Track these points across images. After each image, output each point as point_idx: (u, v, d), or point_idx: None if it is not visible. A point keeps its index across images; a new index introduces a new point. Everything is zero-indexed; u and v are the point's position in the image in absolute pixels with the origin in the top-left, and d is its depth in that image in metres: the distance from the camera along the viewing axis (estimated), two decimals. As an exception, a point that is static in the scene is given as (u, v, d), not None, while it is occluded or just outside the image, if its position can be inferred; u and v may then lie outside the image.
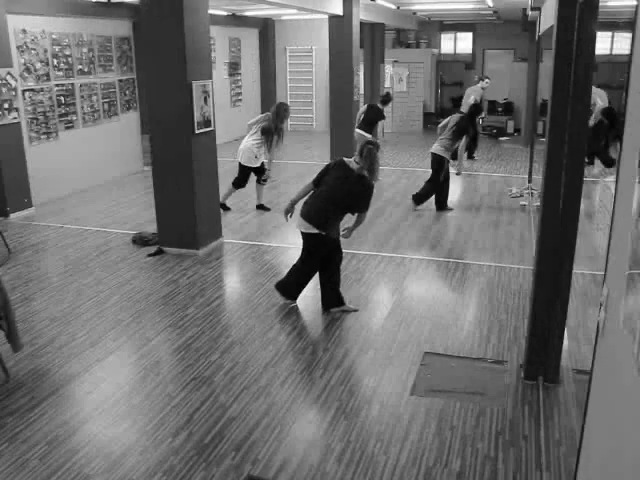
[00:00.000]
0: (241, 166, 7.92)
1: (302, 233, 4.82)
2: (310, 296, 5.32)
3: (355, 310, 4.99)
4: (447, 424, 3.51)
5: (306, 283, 5.05)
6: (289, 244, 6.76)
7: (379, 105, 9.92)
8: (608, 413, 1.70)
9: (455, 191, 9.59)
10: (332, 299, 5.00)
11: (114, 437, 3.41)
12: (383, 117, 9.98)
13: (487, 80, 12.05)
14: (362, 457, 3.23)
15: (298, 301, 5.20)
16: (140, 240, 6.77)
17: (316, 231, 4.70)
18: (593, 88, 9.85)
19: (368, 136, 9.60)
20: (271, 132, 7.62)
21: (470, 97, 11.78)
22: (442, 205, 8.12)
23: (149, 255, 6.39)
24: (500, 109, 15.32)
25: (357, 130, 9.92)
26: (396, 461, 3.20)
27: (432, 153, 8.04)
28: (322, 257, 4.87)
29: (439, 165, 7.94)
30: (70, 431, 3.46)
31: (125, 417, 3.59)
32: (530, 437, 3.39)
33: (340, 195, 4.69)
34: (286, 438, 3.39)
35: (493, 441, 3.36)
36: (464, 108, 11.48)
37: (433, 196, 8.13)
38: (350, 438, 3.39)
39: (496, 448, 3.31)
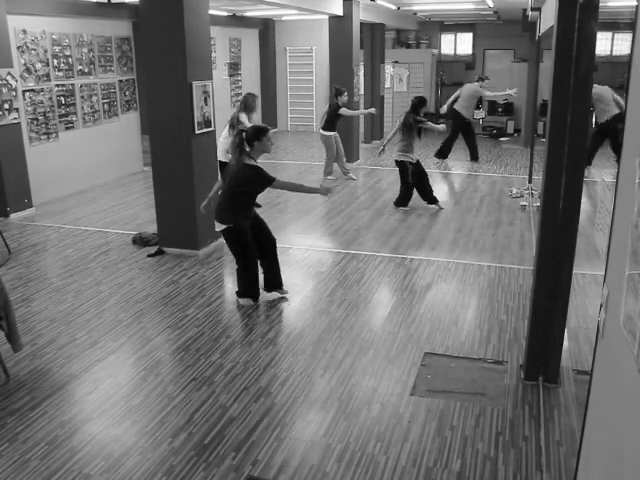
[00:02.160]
0: (219, 162, 7.81)
1: (222, 233, 5.04)
2: (309, 297, 5.33)
3: (284, 295, 5.25)
4: (447, 424, 3.51)
5: (255, 277, 5.14)
6: (289, 244, 6.77)
7: (335, 99, 9.70)
8: (608, 413, 1.70)
9: (456, 191, 9.60)
10: (274, 281, 5.24)
11: (114, 437, 3.41)
12: (339, 115, 9.76)
13: (487, 81, 11.84)
14: (362, 457, 3.23)
15: (299, 301, 5.21)
16: (140, 240, 6.77)
17: (225, 226, 4.93)
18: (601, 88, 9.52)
19: (332, 134, 9.68)
20: (233, 125, 7.47)
21: (474, 97, 11.43)
22: (432, 200, 8.16)
23: (149, 255, 6.39)
24: (500, 109, 15.31)
25: (321, 131, 9.88)
26: (396, 461, 3.20)
27: (394, 160, 8.22)
28: (247, 246, 4.98)
29: (402, 170, 8.11)
30: (70, 431, 3.46)
31: (125, 417, 3.60)
32: (530, 437, 3.39)
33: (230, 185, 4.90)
34: (286, 439, 3.39)
35: (493, 441, 3.36)
36: (459, 105, 11.36)
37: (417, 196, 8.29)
38: (350, 439, 3.39)
39: (496, 448, 3.31)
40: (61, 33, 8.76)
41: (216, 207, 5.02)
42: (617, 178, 1.76)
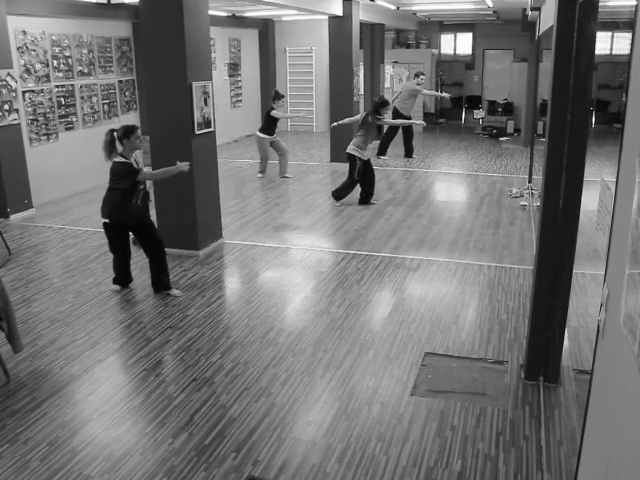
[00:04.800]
0: None
1: (102, 225, 5.36)
2: (309, 297, 5.33)
3: (179, 295, 5.39)
4: (448, 424, 3.52)
5: (121, 268, 5.54)
6: (289, 245, 6.77)
7: (273, 102, 10.01)
8: (609, 413, 1.70)
9: (457, 191, 9.60)
10: (161, 283, 5.44)
11: (115, 438, 3.41)
12: (274, 118, 10.04)
13: (422, 77, 12.10)
14: (363, 458, 3.23)
15: (299, 301, 5.21)
16: (140, 241, 6.76)
17: (105, 220, 5.26)
18: None
19: (267, 137, 9.94)
20: None
21: (412, 96, 11.85)
22: (366, 199, 8.39)
23: (149, 256, 6.38)
24: (500, 109, 15.31)
25: (257, 132, 10.11)
26: (397, 461, 3.20)
27: (346, 152, 8.35)
28: (116, 243, 5.41)
29: (351, 163, 8.27)
30: (71, 432, 3.46)
31: (126, 418, 3.60)
32: (531, 437, 3.39)
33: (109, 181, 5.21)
34: (287, 439, 3.39)
35: (494, 441, 3.37)
36: (399, 104, 11.81)
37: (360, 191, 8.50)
38: (351, 439, 3.39)
39: (497, 448, 3.31)
40: (61, 34, 8.76)
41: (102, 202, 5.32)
42: (617, 178, 1.76)
